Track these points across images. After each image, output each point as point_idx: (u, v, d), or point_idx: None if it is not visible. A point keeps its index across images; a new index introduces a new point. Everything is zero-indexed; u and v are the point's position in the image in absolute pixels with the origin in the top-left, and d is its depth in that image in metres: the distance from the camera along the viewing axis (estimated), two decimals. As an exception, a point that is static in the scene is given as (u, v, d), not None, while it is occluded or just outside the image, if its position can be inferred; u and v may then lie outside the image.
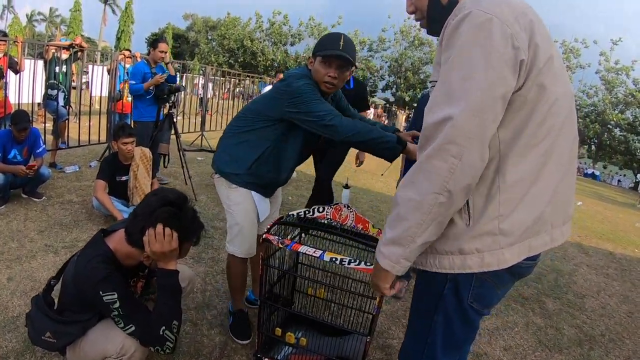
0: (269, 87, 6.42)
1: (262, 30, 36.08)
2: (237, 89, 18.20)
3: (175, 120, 5.46)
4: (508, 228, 1.24)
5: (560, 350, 3.23)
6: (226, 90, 16.92)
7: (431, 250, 1.29)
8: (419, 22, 1.45)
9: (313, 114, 2.12)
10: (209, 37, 43.98)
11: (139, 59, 7.02)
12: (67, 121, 6.41)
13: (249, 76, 16.51)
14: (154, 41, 5.57)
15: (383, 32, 33.11)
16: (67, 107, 6.50)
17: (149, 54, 5.59)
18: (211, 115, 11.35)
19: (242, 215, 2.44)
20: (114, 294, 1.67)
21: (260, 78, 17.48)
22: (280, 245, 2.11)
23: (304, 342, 2.22)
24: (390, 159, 2.11)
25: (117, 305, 1.68)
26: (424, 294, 1.36)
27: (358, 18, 36.80)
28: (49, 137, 6.05)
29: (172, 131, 5.45)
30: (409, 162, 3.56)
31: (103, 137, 7.07)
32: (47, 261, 3.31)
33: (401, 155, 2.14)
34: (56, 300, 1.96)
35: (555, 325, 3.60)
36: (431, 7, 1.37)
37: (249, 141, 2.37)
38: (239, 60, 35.59)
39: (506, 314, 3.63)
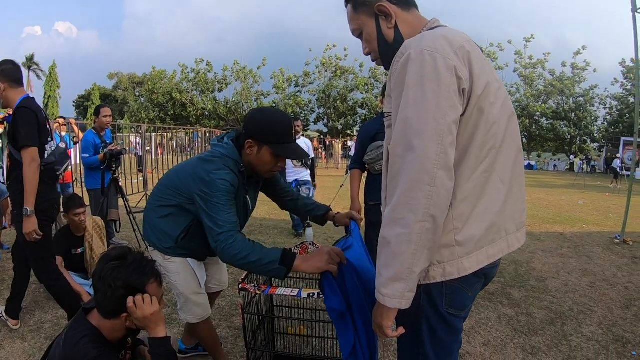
0: None
1: (189, 81, 36.03)
2: (172, 143, 18.08)
3: (120, 184, 5.36)
4: (463, 239, 1.35)
5: (536, 333, 3.41)
6: (159, 145, 16.70)
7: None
8: (375, 62, 1.62)
9: (212, 219, 1.94)
10: (137, 94, 43.46)
11: (74, 126, 6.94)
12: (8, 198, 6.11)
13: (183, 128, 16.44)
14: (96, 109, 5.68)
15: (307, 66, 33.91)
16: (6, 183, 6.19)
17: (94, 122, 5.61)
18: (151, 173, 11.16)
19: (183, 285, 2.34)
20: None
21: (193, 129, 17.46)
22: (258, 292, 2.13)
23: None
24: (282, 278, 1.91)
25: None
26: (405, 311, 1.40)
27: (281, 57, 37.48)
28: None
29: (119, 195, 5.35)
30: (371, 176, 3.69)
31: None
32: (15, 348, 3.11)
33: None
34: None
35: (525, 311, 3.79)
36: (381, 48, 1.54)
37: (171, 215, 2.23)
38: (170, 114, 35.27)
39: (477, 312, 3.78)
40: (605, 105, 35.33)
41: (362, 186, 3.81)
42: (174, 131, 17.54)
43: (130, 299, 1.67)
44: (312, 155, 6.79)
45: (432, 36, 1.32)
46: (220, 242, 1.89)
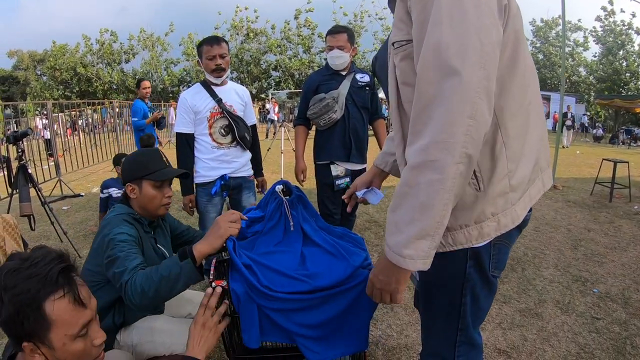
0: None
1: (93, 53, 33.63)
2: (80, 122, 16.74)
3: (29, 171, 4.67)
4: (516, 183, 1.18)
5: (502, 281, 3.43)
6: (68, 126, 15.40)
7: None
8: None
9: (116, 275, 1.65)
10: (39, 72, 39.74)
11: None
12: None
13: (89, 103, 15.23)
14: (137, 82, 6.95)
15: (217, 30, 32.52)
16: None
17: (136, 94, 6.79)
18: (63, 157, 10.20)
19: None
20: None
21: (102, 104, 16.20)
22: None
23: None
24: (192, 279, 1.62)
25: None
26: (444, 282, 1.26)
27: (189, 21, 35.84)
28: None
29: (30, 185, 4.65)
30: (318, 133, 3.42)
31: None
32: None
33: None
34: None
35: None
36: None
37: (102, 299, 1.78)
38: (75, 90, 32.86)
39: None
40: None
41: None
42: (82, 109, 16.25)
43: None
44: (253, 118, 3.35)
45: None
46: (124, 288, 1.59)
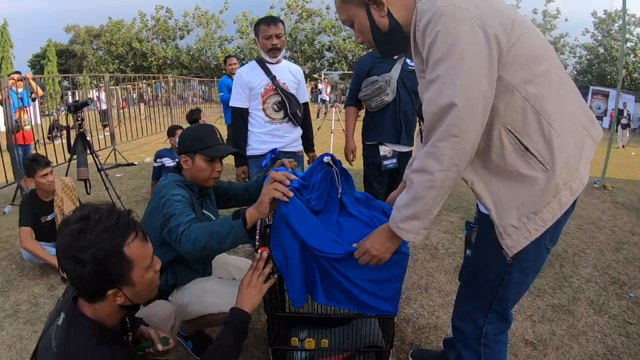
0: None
1: (149, 29, 34.49)
2: (135, 95, 17.31)
3: (87, 139, 4.95)
4: (571, 151, 1.40)
5: (538, 275, 3.33)
6: (123, 99, 15.94)
7: (528, 217, 1.41)
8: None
9: (170, 228, 1.82)
10: (95, 47, 41.13)
11: (31, 82, 6.52)
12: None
13: (144, 77, 15.73)
14: (225, 59, 7.19)
15: (271, 9, 32.65)
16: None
17: (224, 70, 7.16)
18: (118, 127, 10.65)
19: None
20: None
21: (156, 79, 16.67)
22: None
23: (326, 344, 2.04)
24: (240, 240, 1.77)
25: None
26: (497, 251, 1.48)
27: (245, 0, 35.93)
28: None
29: (88, 151, 4.95)
30: (368, 115, 3.50)
31: (10, 177, 6.25)
32: None
33: None
34: None
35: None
36: (376, 38, 1.55)
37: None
38: (130, 65, 33.87)
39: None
40: (575, 54, 35.22)
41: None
42: (136, 83, 16.76)
43: None
44: (305, 96, 3.51)
45: None
46: (179, 238, 1.78)
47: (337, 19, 32.83)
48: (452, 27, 1.25)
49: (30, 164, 3.63)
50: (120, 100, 13.93)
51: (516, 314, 2.90)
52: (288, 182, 1.75)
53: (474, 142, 1.31)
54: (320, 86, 24.49)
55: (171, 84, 14.33)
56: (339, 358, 2.06)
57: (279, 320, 2.17)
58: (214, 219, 2.25)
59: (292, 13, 33.41)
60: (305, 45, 32.94)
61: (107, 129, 9.82)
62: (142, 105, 15.92)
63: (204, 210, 2.24)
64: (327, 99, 20.05)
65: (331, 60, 33.82)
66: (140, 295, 1.39)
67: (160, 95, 15.95)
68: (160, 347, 1.59)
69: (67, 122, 4.83)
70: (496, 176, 1.45)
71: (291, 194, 1.72)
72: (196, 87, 22.05)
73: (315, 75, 32.47)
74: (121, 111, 12.72)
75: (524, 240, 1.42)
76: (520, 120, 1.37)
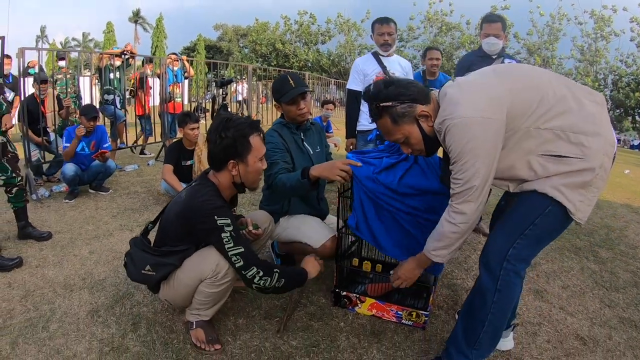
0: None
1: (292, 32, 36.38)
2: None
3: (229, 110, 5.81)
4: (592, 138, 1.71)
5: (617, 290, 3.30)
6: (263, 94, 17.24)
7: (587, 190, 1.74)
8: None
9: (266, 175, 2.57)
10: (241, 45, 44.59)
11: (185, 62, 7.60)
12: (124, 122, 6.80)
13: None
14: (423, 52, 6.88)
15: (411, 21, 32.78)
16: (123, 110, 6.90)
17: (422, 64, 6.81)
18: (255, 117, 11.56)
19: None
20: (228, 219, 1.97)
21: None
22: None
23: (379, 268, 2.54)
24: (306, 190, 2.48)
25: (230, 228, 1.97)
26: (534, 202, 1.82)
27: (385, 11, 36.47)
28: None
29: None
30: None
31: (158, 137, 7.55)
32: (124, 237, 3.68)
33: None
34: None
35: (610, 270, 3.66)
36: (427, 145, 1.91)
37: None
38: (273, 64, 35.97)
39: (561, 260, 3.74)
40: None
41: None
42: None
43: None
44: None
45: (467, 101, 1.72)
46: (272, 185, 2.55)
47: (477, 35, 32.00)
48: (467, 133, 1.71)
49: (184, 117, 4.52)
50: (261, 95, 15.10)
51: (578, 313, 2.90)
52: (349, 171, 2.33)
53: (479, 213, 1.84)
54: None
55: (309, 80, 15.23)
56: (389, 286, 2.44)
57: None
58: (311, 152, 2.83)
59: (432, 26, 33.21)
60: (444, 59, 32.44)
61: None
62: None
63: (304, 143, 2.86)
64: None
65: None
66: (247, 178, 2.09)
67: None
68: (251, 228, 2.32)
69: (214, 94, 5.70)
70: (551, 179, 1.76)
71: (359, 163, 2.31)
72: (335, 91, 22.99)
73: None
74: (260, 105, 13.78)
75: (588, 208, 1.76)
76: (550, 143, 1.72)
